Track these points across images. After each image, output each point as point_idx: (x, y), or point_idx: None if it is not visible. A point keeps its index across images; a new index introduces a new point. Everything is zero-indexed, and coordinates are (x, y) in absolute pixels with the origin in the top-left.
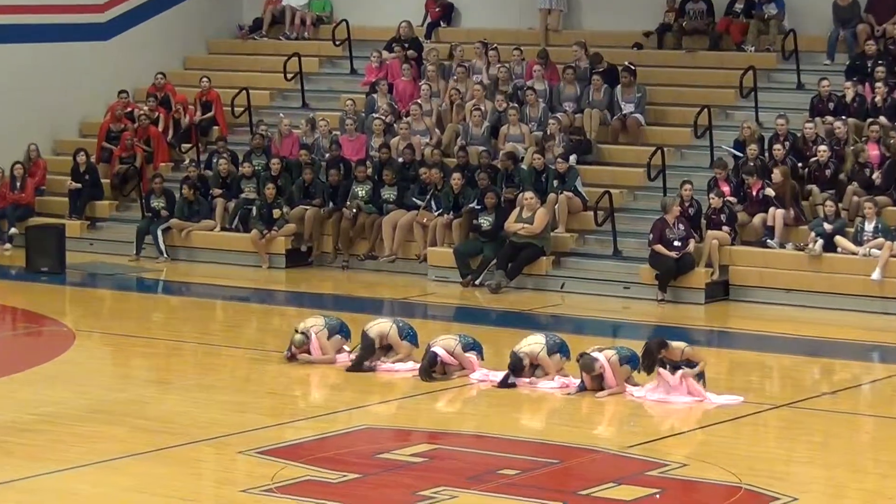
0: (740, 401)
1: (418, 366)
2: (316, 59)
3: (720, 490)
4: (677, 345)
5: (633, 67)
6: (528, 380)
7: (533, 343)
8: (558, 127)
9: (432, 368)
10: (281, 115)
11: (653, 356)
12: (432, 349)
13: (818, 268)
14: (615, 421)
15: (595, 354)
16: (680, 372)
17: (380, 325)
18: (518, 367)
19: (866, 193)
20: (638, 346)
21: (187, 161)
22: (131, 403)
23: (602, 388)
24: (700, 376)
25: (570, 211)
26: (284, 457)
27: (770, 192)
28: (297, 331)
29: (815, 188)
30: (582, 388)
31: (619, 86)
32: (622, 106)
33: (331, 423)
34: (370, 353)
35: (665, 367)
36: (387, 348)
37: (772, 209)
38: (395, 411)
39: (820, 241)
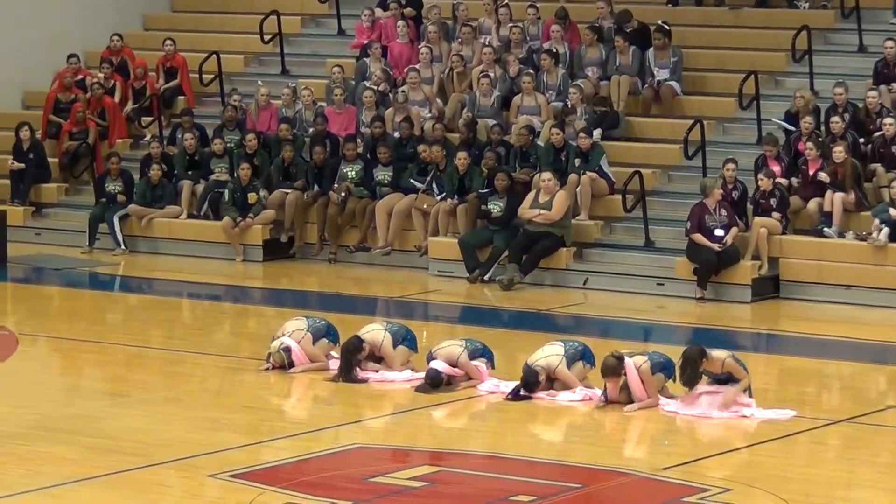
0: (791, 415)
1: (417, 375)
2: (298, 17)
3: None
4: (718, 355)
5: (667, 27)
6: (545, 393)
7: (550, 355)
8: (580, 97)
9: (434, 389)
10: (259, 83)
11: (696, 366)
12: (433, 363)
13: (883, 260)
14: (647, 438)
15: (623, 354)
16: (705, 395)
17: (372, 334)
18: (533, 384)
19: None
20: (673, 352)
21: (148, 137)
22: (83, 419)
23: (630, 401)
24: (746, 390)
25: (595, 194)
26: (262, 481)
27: (824, 176)
28: (275, 337)
29: (879, 167)
30: (605, 401)
31: (650, 49)
32: (655, 72)
33: (316, 441)
34: (357, 349)
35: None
36: (379, 359)
37: (829, 192)
38: (391, 428)
39: (885, 230)
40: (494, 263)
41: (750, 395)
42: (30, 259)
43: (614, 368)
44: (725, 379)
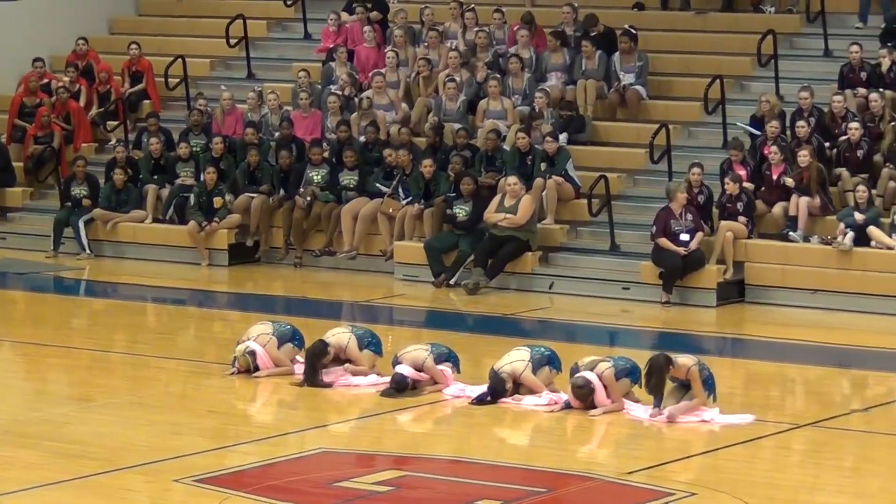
0: (751, 420)
1: (382, 379)
2: (264, 21)
3: None
4: (684, 361)
5: (633, 31)
6: (510, 398)
7: (516, 360)
8: (546, 101)
9: (400, 393)
10: (223, 87)
11: (661, 375)
12: (398, 367)
13: (848, 264)
14: (612, 443)
15: (587, 376)
16: (652, 412)
17: (337, 337)
18: (500, 391)
19: None
20: (638, 356)
21: (114, 141)
22: (47, 424)
23: (593, 406)
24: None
25: (561, 199)
26: (227, 486)
27: (789, 181)
28: (240, 341)
29: (844, 172)
30: (569, 406)
31: (616, 53)
32: (620, 76)
33: (281, 446)
34: (322, 353)
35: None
36: (344, 362)
37: (794, 196)
38: (357, 432)
39: (850, 234)
40: (460, 268)
41: (714, 400)
42: None
43: (585, 395)
44: (689, 384)
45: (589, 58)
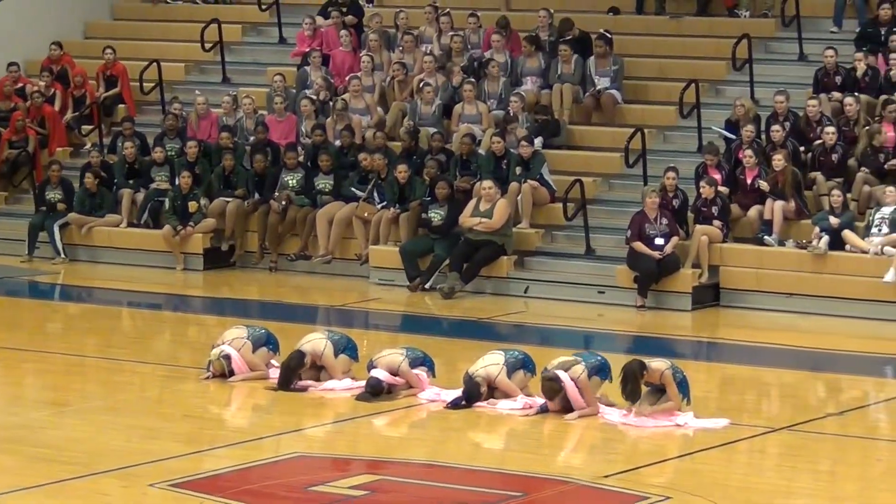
0: (725, 424)
1: (358, 384)
2: (238, 26)
3: None
4: (657, 366)
5: (609, 35)
6: (485, 402)
7: (490, 364)
8: (521, 105)
9: (375, 397)
10: (197, 91)
11: (636, 381)
12: (373, 371)
13: (822, 268)
14: (587, 447)
15: (558, 373)
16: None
17: (313, 343)
18: (475, 395)
19: (879, 182)
20: (613, 360)
21: (88, 145)
22: (22, 429)
23: (570, 409)
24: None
25: (536, 203)
26: (202, 490)
27: (764, 185)
28: (215, 345)
29: (819, 176)
30: (544, 410)
31: (591, 57)
32: (596, 81)
33: (256, 450)
34: (298, 366)
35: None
36: (320, 368)
37: (769, 201)
38: (331, 436)
39: (825, 238)
40: (435, 272)
41: (688, 403)
42: None
43: (554, 389)
44: (664, 388)
45: (565, 62)
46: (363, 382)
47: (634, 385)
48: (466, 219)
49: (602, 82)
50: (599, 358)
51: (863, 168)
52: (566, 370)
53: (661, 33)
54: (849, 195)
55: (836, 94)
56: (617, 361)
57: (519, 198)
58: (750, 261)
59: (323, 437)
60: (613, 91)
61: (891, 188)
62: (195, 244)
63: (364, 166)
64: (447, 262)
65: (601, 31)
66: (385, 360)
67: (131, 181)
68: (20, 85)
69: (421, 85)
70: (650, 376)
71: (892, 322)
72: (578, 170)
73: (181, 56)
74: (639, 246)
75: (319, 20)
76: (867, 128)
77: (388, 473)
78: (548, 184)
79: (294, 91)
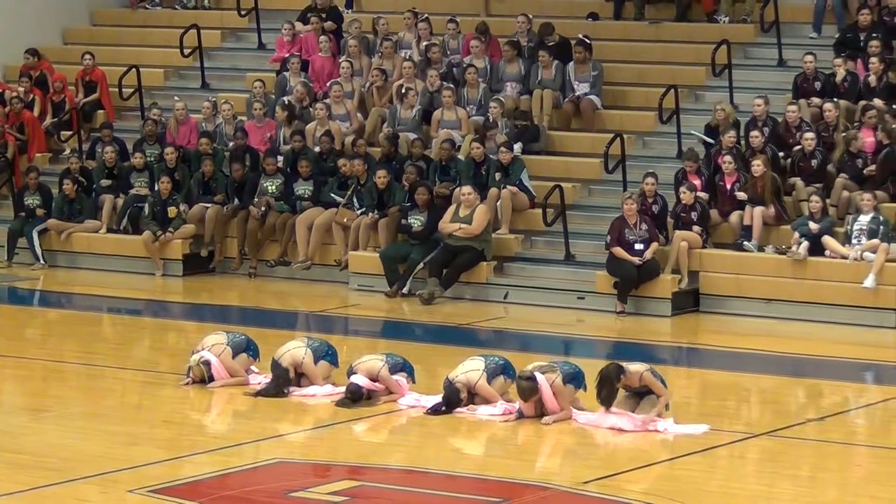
0: (705, 430)
1: (338, 389)
2: (218, 31)
3: None
4: (636, 368)
5: (588, 41)
6: (465, 408)
7: (470, 370)
8: (501, 111)
9: (355, 403)
10: (176, 97)
11: (612, 385)
12: (353, 377)
13: (802, 274)
14: (568, 452)
15: (535, 374)
16: (614, 416)
17: (292, 353)
18: (454, 401)
19: (858, 187)
20: (593, 366)
21: (68, 151)
22: (1, 435)
23: (541, 407)
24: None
25: (515, 208)
26: (182, 496)
27: (741, 195)
28: (194, 351)
29: (799, 181)
30: (521, 416)
31: (570, 63)
32: (575, 86)
33: (236, 456)
34: (285, 383)
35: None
36: (300, 376)
37: (749, 206)
38: (312, 442)
39: (805, 243)
40: (410, 276)
41: (667, 408)
42: None
43: (531, 389)
44: (645, 392)
45: (546, 67)
46: (343, 388)
47: (610, 389)
48: (446, 224)
49: (581, 88)
50: (575, 367)
51: (841, 174)
52: (543, 373)
53: (641, 39)
54: (828, 200)
55: (816, 100)
56: (596, 367)
57: (498, 203)
58: (730, 266)
59: (303, 443)
60: (593, 97)
61: (868, 195)
62: (174, 250)
63: (343, 172)
64: (421, 265)
65: (580, 36)
66: (365, 365)
67: (110, 184)
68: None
69: (403, 90)
70: (629, 380)
71: (871, 328)
72: (558, 175)
73: (160, 62)
74: (619, 251)
75: (299, 26)
76: (844, 134)
77: (369, 479)
78: (527, 189)
79: (273, 97)
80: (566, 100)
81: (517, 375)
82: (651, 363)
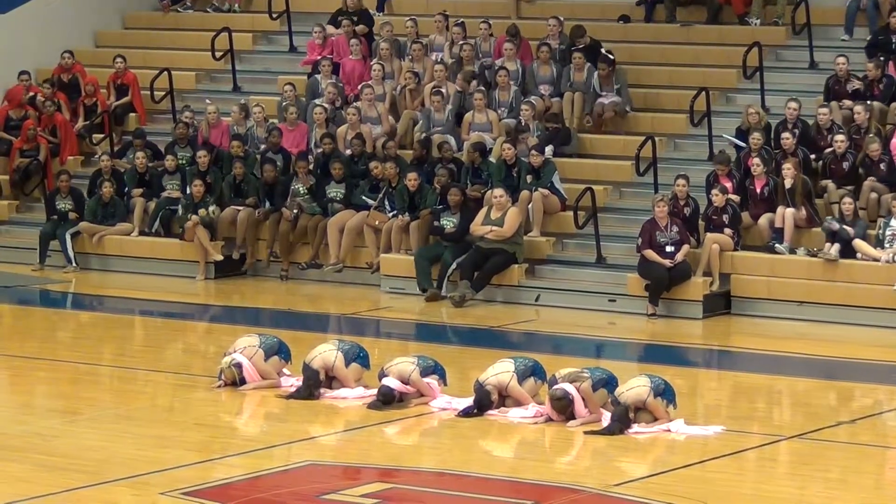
0: (719, 430)
1: (369, 392)
2: (249, 34)
3: None
4: (637, 395)
5: (611, 57)
6: (496, 410)
7: (500, 372)
8: (532, 113)
9: (386, 406)
10: (207, 100)
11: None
12: (385, 380)
13: (834, 276)
14: (598, 455)
15: (566, 387)
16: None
17: (323, 356)
18: (486, 403)
19: (888, 190)
20: (624, 369)
21: (99, 154)
22: (33, 437)
23: (572, 418)
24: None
25: (547, 211)
26: (213, 498)
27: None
28: (226, 354)
29: (830, 184)
30: (548, 420)
31: (596, 73)
32: (601, 96)
33: (267, 458)
34: (316, 386)
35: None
36: (332, 379)
37: (780, 208)
38: (343, 445)
39: (836, 246)
40: (445, 278)
41: (674, 408)
42: None
43: (564, 406)
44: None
45: (578, 69)
46: (375, 391)
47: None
48: (477, 227)
49: (608, 97)
50: (607, 373)
51: (869, 176)
52: (572, 382)
53: (672, 41)
54: (858, 203)
55: (847, 102)
56: (628, 370)
57: (530, 206)
58: (761, 269)
59: (334, 446)
60: (617, 100)
61: None
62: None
63: (375, 174)
64: (454, 267)
65: (603, 51)
66: (396, 368)
67: (142, 189)
68: (31, 94)
69: (432, 93)
70: (643, 416)
71: None
72: (589, 178)
73: (192, 65)
74: (650, 254)
75: (330, 29)
76: (870, 135)
77: (400, 482)
78: (559, 192)
79: (304, 99)
80: (593, 107)
81: (549, 395)
82: (682, 366)
